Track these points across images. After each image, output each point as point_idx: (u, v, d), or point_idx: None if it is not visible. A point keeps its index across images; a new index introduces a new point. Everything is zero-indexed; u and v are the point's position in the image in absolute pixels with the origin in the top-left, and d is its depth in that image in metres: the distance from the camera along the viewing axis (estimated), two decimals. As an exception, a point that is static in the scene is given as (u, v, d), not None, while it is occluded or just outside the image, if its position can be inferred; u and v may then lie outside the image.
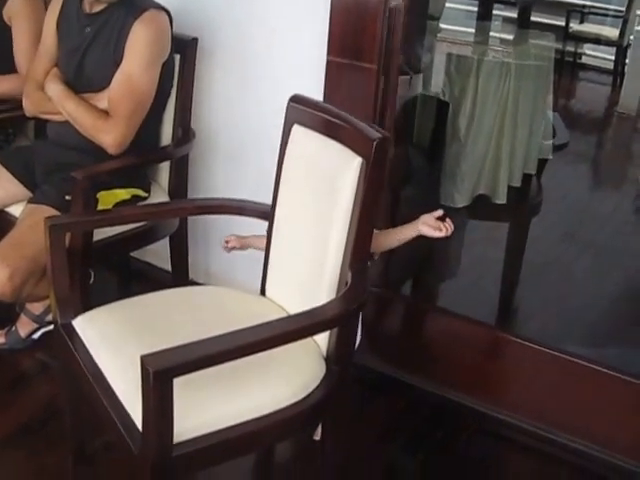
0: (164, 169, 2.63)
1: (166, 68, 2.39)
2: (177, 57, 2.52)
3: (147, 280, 2.98)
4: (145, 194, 2.49)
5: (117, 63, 2.31)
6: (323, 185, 1.77)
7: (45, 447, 2.16)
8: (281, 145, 1.92)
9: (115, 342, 1.76)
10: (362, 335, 1.99)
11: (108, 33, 2.35)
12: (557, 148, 4.12)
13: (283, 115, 1.90)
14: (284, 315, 1.88)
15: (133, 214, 2.25)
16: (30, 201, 2.35)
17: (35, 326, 2.56)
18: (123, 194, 2.41)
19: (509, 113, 3.67)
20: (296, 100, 1.89)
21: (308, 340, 1.76)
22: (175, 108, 2.55)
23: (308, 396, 1.70)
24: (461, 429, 2.39)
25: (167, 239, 2.63)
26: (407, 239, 1.93)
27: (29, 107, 2.46)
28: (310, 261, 1.82)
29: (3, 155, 2.50)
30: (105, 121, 2.29)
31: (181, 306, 1.94)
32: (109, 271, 3.04)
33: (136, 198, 2.46)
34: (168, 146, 2.57)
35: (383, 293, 2.51)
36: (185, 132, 2.56)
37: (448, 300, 2.98)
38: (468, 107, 3.65)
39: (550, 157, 4.07)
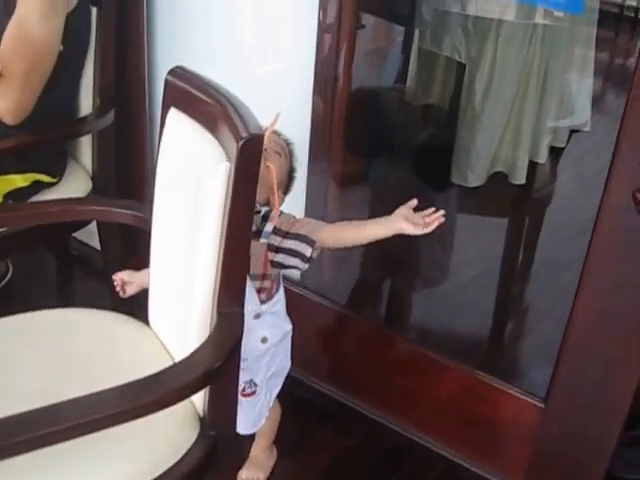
0: (86, 147, 2.19)
1: (74, 21, 1.93)
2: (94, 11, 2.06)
3: (91, 265, 2.57)
4: (52, 179, 2.06)
5: (9, 12, 1.86)
6: (192, 192, 1.31)
7: None
8: (160, 132, 1.45)
9: None
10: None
11: (-3, -22, 1.90)
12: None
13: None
14: (161, 357, 1.44)
15: None
16: None
17: None
18: (19, 180, 1.98)
19: (535, 76, 3.05)
20: (176, 74, 1.41)
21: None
22: (94, 72, 2.10)
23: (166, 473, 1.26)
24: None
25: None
26: (378, 238, 1.50)
27: None
28: (179, 287, 1.37)
29: None
30: None
31: (33, 337, 1.51)
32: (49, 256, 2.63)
33: (38, 185, 2.03)
34: (83, 118, 2.12)
35: (330, 305, 2.04)
36: (106, 100, 2.11)
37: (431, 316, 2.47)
38: (486, 69, 3.06)
39: (587, 128, 3.46)
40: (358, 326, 2.06)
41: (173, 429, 1.32)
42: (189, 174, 1.32)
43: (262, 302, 1.58)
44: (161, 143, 1.43)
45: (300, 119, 2.01)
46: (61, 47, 1.92)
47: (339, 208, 2.29)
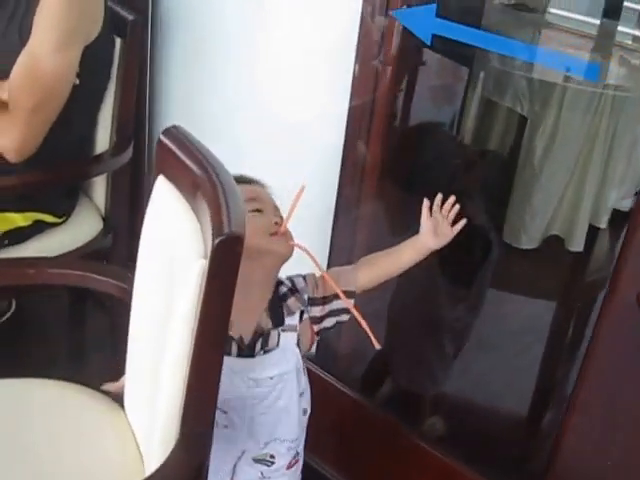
0: (100, 185, 2.03)
1: (94, 53, 1.78)
2: (118, 42, 1.90)
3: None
4: (56, 219, 1.90)
5: (24, 42, 1.72)
6: (167, 282, 1.12)
7: None
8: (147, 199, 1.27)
9: None
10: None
11: (12, 6, 1.76)
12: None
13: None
14: (125, 454, 1.25)
15: None
16: None
17: None
18: (18, 219, 1.84)
19: (602, 141, 2.80)
20: (170, 135, 1.22)
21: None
22: (113, 107, 1.94)
23: None
24: None
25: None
26: (412, 263, 1.40)
27: None
28: (148, 384, 1.19)
29: None
30: (0, 118, 1.71)
31: None
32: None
33: (41, 224, 1.87)
34: (97, 156, 1.96)
35: (343, 388, 1.83)
36: (123, 138, 1.95)
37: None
38: (549, 128, 2.81)
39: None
40: (371, 415, 1.84)
41: None
42: (168, 260, 1.13)
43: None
44: (146, 214, 1.25)
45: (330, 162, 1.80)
46: (77, 81, 1.77)
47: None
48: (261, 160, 1.95)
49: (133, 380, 1.28)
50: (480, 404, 2.26)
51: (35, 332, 2.33)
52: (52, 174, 1.83)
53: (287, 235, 1.26)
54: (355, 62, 1.63)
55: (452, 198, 1.42)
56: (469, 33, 1.46)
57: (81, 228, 1.96)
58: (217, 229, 0.98)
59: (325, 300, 1.36)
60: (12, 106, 1.71)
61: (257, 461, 1.45)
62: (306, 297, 1.35)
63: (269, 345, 1.29)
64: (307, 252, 1.29)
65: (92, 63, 1.79)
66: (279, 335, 1.31)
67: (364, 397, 1.85)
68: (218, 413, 1.25)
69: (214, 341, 1.01)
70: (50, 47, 1.68)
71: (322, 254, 1.79)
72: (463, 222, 1.40)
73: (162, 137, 1.22)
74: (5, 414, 1.33)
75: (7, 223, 1.81)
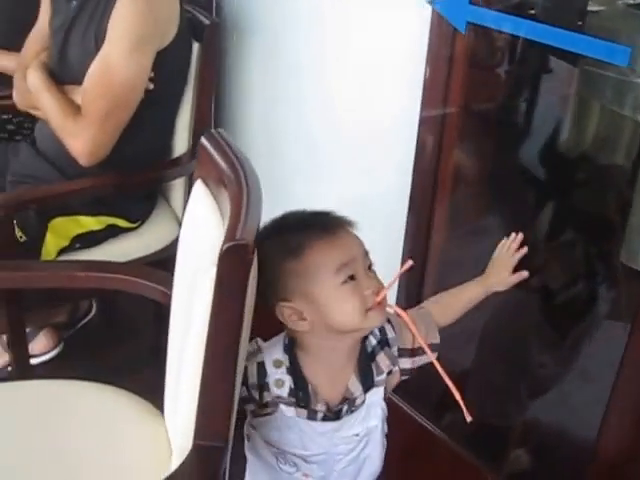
0: (178, 190, 2.02)
1: (169, 57, 1.77)
2: (196, 46, 1.88)
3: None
4: (129, 224, 1.90)
5: (99, 47, 1.73)
6: (191, 289, 1.07)
7: None
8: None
9: None
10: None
11: (92, 7, 1.77)
12: None
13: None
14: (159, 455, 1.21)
15: None
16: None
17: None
18: (91, 223, 1.84)
19: None
20: (211, 139, 1.18)
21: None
22: (191, 111, 1.92)
23: None
24: None
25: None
26: (479, 298, 1.30)
27: (17, 99, 1.95)
28: (174, 390, 1.14)
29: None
30: (75, 122, 1.73)
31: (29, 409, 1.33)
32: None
33: (114, 229, 1.87)
34: (173, 160, 1.95)
35: (416, 417, 1.71)
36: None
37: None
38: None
39: None
40: (446, 451, 1.69)
41: None
42: (194, 266, 1.08)
43: None
44: (183, 219, 1.21)
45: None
46: (151, 86, 1.76)
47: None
48: (336, 160, 1.89)
49: (167, 388, 1.24)
50: (575, 436, 2.07)
51: (117, 334, 2.35)
52: (125, 177, 1.83)
53: (383, 304, 1.10)
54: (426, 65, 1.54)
55: (520, 236, 1.31)
56: (507, 20, 1.34)
57: (156, 234, 1.94)
58: (229, 235, 0.92)
59: (414, 352, 1.23)
60: (85, 111, 1.72)
61: None
62: (396, 350, 1.21)
63: (355, 405, 1.18)
64: (406, 322, 1.14)
65: (167, 68, 1.78)
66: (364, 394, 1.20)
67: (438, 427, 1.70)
68: (300, 461, 1.20)
69: (222, 352, 0.95)
70: (123, 53, 1.68)
71: (394, 260, 1.70)
72: (524, 274, 1.29)
73: (203, 140, 1.19)
74: (51, 407, 1.34)
75: (80, 226, 1.82)
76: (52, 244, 1.79)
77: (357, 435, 1.20)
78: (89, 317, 2.30)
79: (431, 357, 1.17)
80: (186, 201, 1.91)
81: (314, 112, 1.93)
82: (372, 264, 1.11)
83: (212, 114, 1.96)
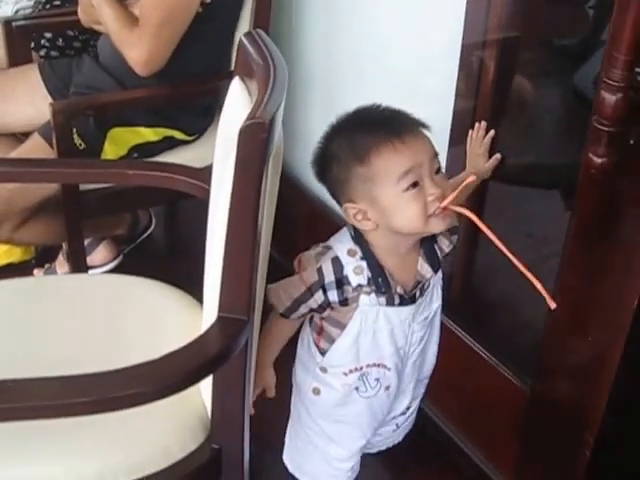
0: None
1: None
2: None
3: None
4: (186, 137, 1.93)
5: None
6: (222, 172, 1.10)
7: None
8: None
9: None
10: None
11: None
12: None
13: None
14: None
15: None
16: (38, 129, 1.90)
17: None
18: (148, 134, 1.89)
19: None
20: (250, 38, 1.19)
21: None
22: (250, 25, 1.93)
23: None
24: None
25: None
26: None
27: (81, 15, 1.99)
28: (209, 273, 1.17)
29: (47, 66, 2.05)
30: (131, 32, 1.76)
31: (77, 301, 1.42)
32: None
33: (170, 140, 1.91)
34: (230, 72, 1.96)
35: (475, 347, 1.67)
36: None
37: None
38: None
39: None
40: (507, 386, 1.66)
41: (166, 431, 1.16)
42: (225, 155, 1.10)
43: None
44: (221, 115, 1.23)
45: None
46: (208, -1, 1.77)
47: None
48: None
49: (205, 278, 1.27)
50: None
51: (176, 250, 2.41)
52: (180, 88, 1.85)
53: (446, 210, 1.10)
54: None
55: (483, 124, 1.36)
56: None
57: (212, 148, 1.96)
58: (249, 116, 0.94)
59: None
60: (141, 21, 1.75)
61: (398, 415, 1.41)
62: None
63: (426, 288, 1.22)
64: (476, 221, 1.10)
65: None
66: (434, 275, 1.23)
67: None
68: (382, 371, 1.25)
69: (241, 227, 0.97)
70: None
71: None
72: (498, 157, 1.35)
73: (242, 38, 1.20)
74: (96, 298, 1.43)
75: (137, 137, 1.87)
76: (110, 153, 1.84)
77: (427, 318, 1.24)
78: (148, 232, 2.36)
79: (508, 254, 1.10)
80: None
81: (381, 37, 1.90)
82: (440, 168, 1.11)
83: (270, 26, 1.94)
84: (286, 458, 1.43)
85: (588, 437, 1.39)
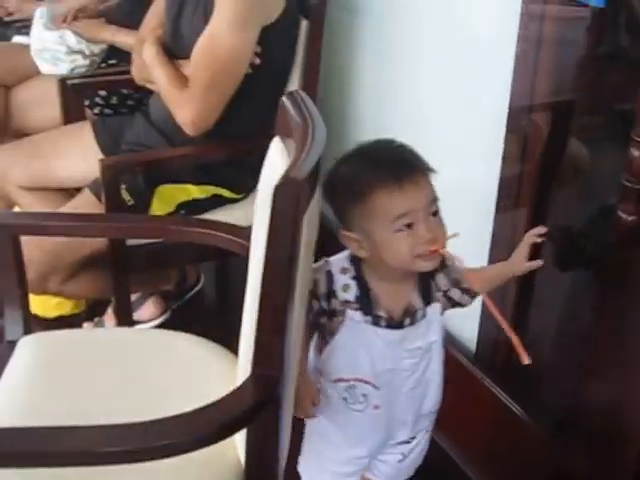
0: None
1: (276, 33, 1.81)
2: (304, 23, 1.93)
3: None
4: (234, 195, 1.96)
5: (208, 22, 1.80)
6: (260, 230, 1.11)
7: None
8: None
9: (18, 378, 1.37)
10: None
11: (203, -18, 1.84)
12: None
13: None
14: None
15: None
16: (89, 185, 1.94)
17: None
18: (196, 191, 1.91)
19: None
20: (291, 99, 1.23)
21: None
22: (299, 87, 1.97)
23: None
24: None
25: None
26: (502, 277, 1.36)
27: (134, 73, 2.05)
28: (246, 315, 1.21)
29: (100, 124, 2.11)
30: (181, 92, 1.81)
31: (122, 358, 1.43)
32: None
33: (218, 199, 1.94)
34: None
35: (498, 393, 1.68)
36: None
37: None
38: None
39: None
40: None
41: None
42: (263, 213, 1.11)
43: None
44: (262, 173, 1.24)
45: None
46: (257, 60, 1.81)
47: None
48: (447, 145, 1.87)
49: (242, 334, 1.28)
50: None
51: (225, 306, 2.42)
52: (228, 146, 1.89)
53: (437, 253, 1.16)
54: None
55: (542, 229, 1.31)
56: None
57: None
58: (284, 174, 0.95)
59: (464, 290, 1.31)
60: (190, 82, 1.80)
61: (401, 443, 1.43)
62: (453, 277, 1.29)
63: (416, 318, 1.28)
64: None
65: (274, 43, 1.82)
66: (425, 308, 1.29)
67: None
68: (369, 389, 1.29)
69: (276, 283, 0.98)
70: (227, 26, 1.73)
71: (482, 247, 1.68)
72: (538, 263, 1.30)
73: (283, 99, 1.22)
74: (138, 352, 1.45)
75: (185, 194, 1.90)
76: (158, 209, 1.87)
77: (420, 348, 1.29)
78: (197, 289, 2.38)
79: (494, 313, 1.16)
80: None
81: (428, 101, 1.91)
82: (438, 211, 1.17)
83: (318, 90, 1.98)
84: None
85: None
